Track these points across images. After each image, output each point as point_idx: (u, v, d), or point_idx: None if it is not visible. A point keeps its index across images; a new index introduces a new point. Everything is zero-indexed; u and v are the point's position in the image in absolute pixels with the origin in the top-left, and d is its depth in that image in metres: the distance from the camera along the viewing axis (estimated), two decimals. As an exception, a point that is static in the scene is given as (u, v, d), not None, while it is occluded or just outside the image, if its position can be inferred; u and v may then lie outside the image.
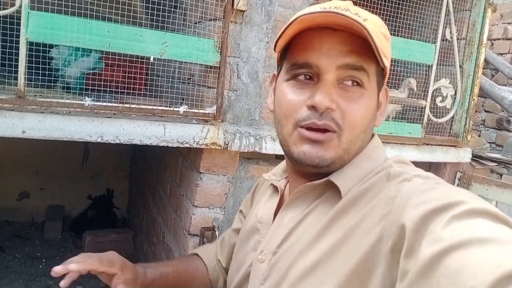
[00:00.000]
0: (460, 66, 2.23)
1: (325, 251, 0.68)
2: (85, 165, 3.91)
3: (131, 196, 4.02)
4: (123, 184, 4.12)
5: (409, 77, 2.27)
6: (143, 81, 2.13)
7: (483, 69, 3.64)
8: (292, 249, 0.74)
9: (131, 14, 1.57)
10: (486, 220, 0.53)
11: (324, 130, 0.70)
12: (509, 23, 4.11)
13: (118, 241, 3.41)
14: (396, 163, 0.75)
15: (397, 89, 2.27)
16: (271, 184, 0.92)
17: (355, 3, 0.75)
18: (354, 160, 0.75)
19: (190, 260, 1.11)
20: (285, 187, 0.90)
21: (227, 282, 0.95)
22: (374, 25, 0.70)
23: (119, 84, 1.81)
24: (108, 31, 1.49)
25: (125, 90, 1.81)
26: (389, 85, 2.19)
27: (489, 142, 3.46)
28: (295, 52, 0.73)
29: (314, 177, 0.75)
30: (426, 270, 0.51)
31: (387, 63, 0.69)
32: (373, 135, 0.82)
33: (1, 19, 1.37)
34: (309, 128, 0.71)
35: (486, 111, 3.97)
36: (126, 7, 1.52)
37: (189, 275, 1.06)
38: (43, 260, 3.17)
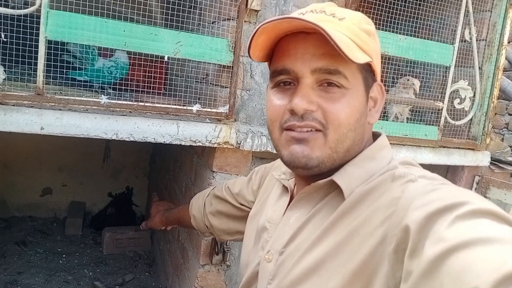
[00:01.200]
0: (479, 68, 2.18)
1: (329, 251, 0.68)
2: (106, 163, 3.99)
3: (150, 194, 4.07)
4: (142, 182, 4.19)
5: (428, 78, 2.24)
6: (163, 81, 2.17)
7: (506, 71, 3.55)
8: (298, 250, 0.74)
9: (147, 13, 1.60)
10: (490, 220, 0.53)
11: (307, 131, 0.71)
12: None
13: (136, 238, 3.47)
14: (401, 164, 0.74)
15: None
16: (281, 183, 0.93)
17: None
18: (357, 160, 0.75)
19: (186, 207, 1.44)
20: (294, 186, 0.90)
21: (239, 273, 0.96)
22: (351, 22, 0.70)
23: (140, 83, 1.85)
24: (124, 30, 1.52)
25: (145, 89, 1.85)
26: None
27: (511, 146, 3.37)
28: (275, 59, 0.75)
29: (317, 178, 0.75)
30: (430, 270, 0.51)
31: (362, 59, 0.67)
32: (380, 135, 0.82)
33: (22, 17, 1.42)
34: (291, 129, 0.72)
35: (510, 114, 3.87)
36: (142, 6, 1.56)
37: (184, 213, 1.43)
38: (64, 256, 3.24)
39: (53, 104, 1.55)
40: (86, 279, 2.94)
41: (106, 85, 1.82)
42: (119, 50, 1.75)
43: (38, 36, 1.44)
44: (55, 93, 1.56)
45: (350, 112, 0.70)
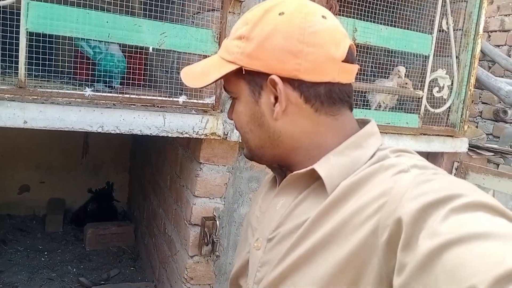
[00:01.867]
0: (456, 57, 2.24)
1: (319, 240, 0.68)
2: (85, 158, 3.92)
3: (131, 189, 4.03)
4: (123, 178, 4.13)
5: (408, 68, 2.28)
6: (142, 72, 2.14)
7: (480, 61, 3.65)
8: (285, 237, 0.74)
9: (129, 6, 1.58)
10: (486, 213, 0.52)
11: None
12: (506, 15, 4.11)
13: (119, 233, 3.43)
14: (393, 152, 0.72)
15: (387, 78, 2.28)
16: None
17: None
18: (340, 148, 0.73)
19: None
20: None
21: (232, 268, 0.96)
22: (230, 38, 0.76)
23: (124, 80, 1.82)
24: (107, 22, 1.49)
25: (127, 81, 1.81)
26: (384, 75, 2.20)
27: (486, 134, 3.47)
28: None
29: (299, 167, 0.76)
30: (424, 265, 0.51)
31: (217, 75, 0.74)
32: (369, 121, 0.80)
33: (1, 9, 1.37)
34: None
35: (483, 103, 3.98)
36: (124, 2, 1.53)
37: None
38: (45, 253, 3.18)
39: (35, 97, 1.51)
40: (70, 275, 2.90)
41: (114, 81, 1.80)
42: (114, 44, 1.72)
43: (19, 28, 1.40)
44: (38, 86, 1.52)
45: (238, 118, 0.79)
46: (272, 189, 0.91)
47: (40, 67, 1.46)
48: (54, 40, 1.51)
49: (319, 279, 0.66)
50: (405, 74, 2.23)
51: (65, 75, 1.78)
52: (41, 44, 1.44)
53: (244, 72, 0.73)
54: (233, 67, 0.72)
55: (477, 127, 3.76)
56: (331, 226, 0.67)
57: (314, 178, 0.74)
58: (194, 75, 0.79)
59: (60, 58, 1.56)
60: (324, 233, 0.68)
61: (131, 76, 1.78)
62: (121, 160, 4.13)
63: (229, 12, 1.70)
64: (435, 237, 0.51)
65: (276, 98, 0.73)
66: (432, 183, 0.60)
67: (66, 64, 1.65)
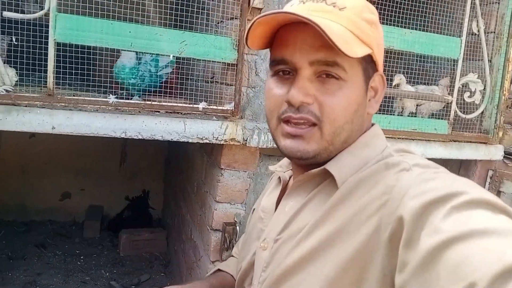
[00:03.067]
0: (489, 60, 2.17)
1: (323, 239, 0.69)
2: (123, 167, 4.07)
3: (165, 197, 4.13)
4: (158, 185, 4.26)
5: (441, 72, 2.24)
6: (173, 84, 2.21)
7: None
8: (291, 237, 0.75)
9: (148, 17, 1.66)
10: (486, 210, 0.53)
11: (303, 123, 0.71)
12: None
13: (152, 240, 3.53)
14: (396, 152, 0.74)
15: (426, 85, 2.24)
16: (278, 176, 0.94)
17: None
18: (351, 148, 0.75)
19: (219, 275, 1.11)
20: (290, 178, 0.91)
21: (236, 272, 0.96)
22: (352, 12, 0.70)
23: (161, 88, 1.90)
24: (130, 31, 1.58)
25: (158, 94, 1.89)
26: (417, 81, 2.16)
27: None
28: (274, 48, 0.75)
29: (313, 167, 0.76)
30: (426, 263, 0.51)
31: (361, 52, 0.67)
32: (373, 124, 0.82)
33: (31, 21, 1.48)
34: (288, 121, 0.72)
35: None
36: (140, 11, 1.61)
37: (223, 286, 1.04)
38: (81, 257, 3.33)
39: (63, 104, 1.61)
40: (103, 279, 3.01)
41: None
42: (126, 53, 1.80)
43: (48, 39, 1.51)
44: (65, 94, 1.63)
45: (347, 105, 0.70)
46: (275, 190, 0.92)
47: (67, 76, 1.55)
48: (85, 50, 1.60)
49: (324, 278, 0.66)
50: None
51: (96, 86, 1.88)
52: (67, 54, 1.54)
53: (373, 59, 0.74)
54: (369, 50, 0.70)
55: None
56: (336, 225, 0.68)
57: (324, 178, 0.75)
58: (332, 32, 0.64)
59: (91, 68, 1.66)
60: (329, 232, 0.68)
61: (168, 85, 1.85)
62: (157, 168, 4.26)
63: (248, 19, 1.74)
64: (436, 234, 0.51)
65: (375, 92, 0.78)
66: (433, 181, 0.60)
67: (97, 73, 1.75)
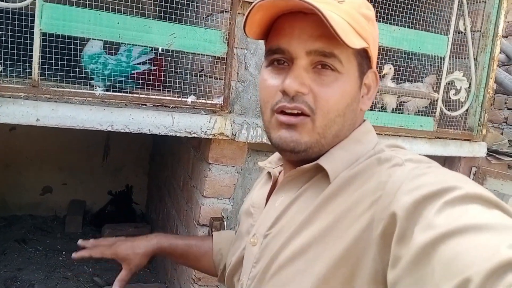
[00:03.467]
0: (474, 59, 2.20)
1: (315, 235, 0.68)
2: (106, 161, 4.02)
3: (149, 192, 4.10)
4: (142, 180, 4.21)
5: (426, 70, 2.26)
6: (161, 77, 2.19)
7: (505, 65, 3.56)
8: (282, 232, 0.74)
9: (140, 9, 1.63)
10: (480, 205, 0.52)
11: (296, 114, 0.70)
12: None
13: (136, 235, 3.44)
14: (388, 147, 0.74)
15: (410, 82, 2.26)
16: (268, 171, 0.94)
17: None
18: (343, 143, 0.75)
19: (205, 239, 1.16)
20: (279, 174, 0.90)
21: (226, 267, 0.96)
22: (350, 6, 0.70)
23: (139, 78, 1.87)
24: (118, 23, 1.55)
25: (143, 86, 1.86)
26: (403, 77, 2.18)
27: (510, 141, 3.38)
28: (270, 38, 0.74)
29: (304, 162, 0.75)
30: (420, 258, 0.51)
31: (359, 44, 0.67)
32: (364, 120, 0.82)
33: (17, 11, 1.45)
34: (282, 112, 0.71)
35: (509, 109, 3.88)
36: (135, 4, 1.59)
37: (198, 252, 1.09)
38: (63, 253, 3.27)
39: (48, 96, 1.57)
40: (85, 275, 2.97)
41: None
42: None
43: (33, 29, 1.47)
44: (51, 85, 1.59)
45: (340, 97, 0.70)
46: (266, 185, 0.91)
47: (53, 67, 1.52)
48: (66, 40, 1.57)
49: (315, 274, 0.66)
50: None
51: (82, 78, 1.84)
52: (53, 44, 1.50)
53: (368, 55, 0.74)
54: (365, 44, 0.70)
55: (502, 133, 3.66)
56: (328, 220, 0.67)
57: (315, 173, 0.75)
58: (334, 21, 0.63)
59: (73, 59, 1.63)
60: (321, 227, 0.68)
61: (151, 77, 1.83)
62: (141, 163, 4.22)
63: (238, 13, 1.73)
64: (430, 229, 0.51)
65: (368, 89, 0.78)
66: (426, 176, 0.60)
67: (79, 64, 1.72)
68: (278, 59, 0.72)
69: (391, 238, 0.56)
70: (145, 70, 1.89)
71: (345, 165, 0.72)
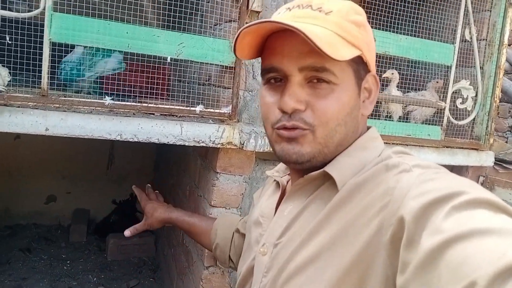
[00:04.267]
0: (480, 67, 2.19)
1: (324, 243, 0.68)
2: (110, 170, 4.00)
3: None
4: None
5: (431, 79, 2.25)
6: (166, 85, 2.18)
7: (508, 74, 3.56)
8: (292, 241, 0.74)
9: (146, 19, 1.63)
10: (487, 210, 0.53)
11: (294, 128, 0.72)
12: None
13: (140, 244, 3.47)
14: (395, 153, 0.74)
15: (415, 91, 2.26)
16: (275, 180, 0.94)
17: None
18: (349, 150, 0.75)
19: (208, 219, 1.38)
20: (287, 183, 0.91)
21: (237, 276, 0.96)
22: (338, 15, 0.70)
23: (143, 89, 1.86)
24: (127, 32, 1.54)
25: (148, 95, 1.85)
26: (408, 86, 2.18)
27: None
28: (264, 56, 0.76)
29: (311, 170, 0.76)
30: (427, 263, 0.51)
31: (349, 55, 0.68)
32: (369, 127, 0.82)
33: (26, 20, 1.44)
34: (280, 128, 0.73)
35: (513, 117, 3.88)
36: (138, 12, 1.58)
37: (199, 229, 1.33)
38: (68, 262, 3.25)
39: (57, 105, 1.57)
40: (90, 284, 2.95)
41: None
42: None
43: (42, 39, 1.47)
44: (60, 95, 1.58)
45: (339, 108, 0.71)
46: (274, 194, 0.91)
47: (63, 76, 1.51)
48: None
49: (326, 282, 0.66)
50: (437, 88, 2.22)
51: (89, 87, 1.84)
52: (63, 54, 1.50)
53: (364, 61, 0.75)
54: (358, 52, 0.71)
55: (506, 142, 3.65)
56: (337, 228, 0.68)
57: (323, 181, 0.75)
58: (317, 37, 0.64)
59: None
60: (330, 235, 0.68)
61: (155, 87, 1.82)
62: (145, 172, 4.20)
63: (246, 22, 1.73)
64: (437, 234, 0.51)
65: (369, 93, 0.78)
66: (434, 182, 0.60)
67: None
68: (274, 77, 0.74)
69: (400, 243, 0.57)
70: (116, 72, 1.86)
71: (352, 172, 0.72)
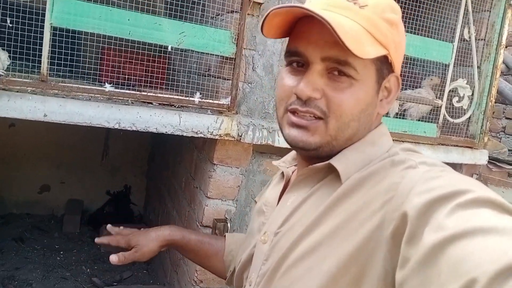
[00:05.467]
0: (478, 67, 2.21)
1: (325, 234, 0.68)
2: (105, 160, 3.98)
3: (148, 193, 4.07)
4: (140, 181, 4.17)
5: (426, 76, 2.26)
6: (165, 75, 2.17)
7: (505, 75, 3.59)
8: (292, 230, 0.74)
9: (151, 7, 1.62)
10: (491, 209, 0.53)
11: (308, 117, 0.71)
12: None
13: (134, 236, 3.45)
14: (402, 150, 0.74)
15: (412, 88, 2.26)
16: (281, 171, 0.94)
17: None
18: (357, 145, 0.75)
19: (218, 238, 1.16)
20: (293, 173, 0.91)
21: (236, 267, 0.95)
22: (372, 11, 0.69)
23: (142, 78, 1.84)
24: (128, 19, 1.54)
25: (148, 84, 1.84)
26: (406, 84, 2.18)
27: (509, 149, 3.40)
28: (291, 39, 0.75)
29: (317, 161, 0.76)
30: (428, 258, 0.51)
31: (374, 53, 0.67)
32: (380, 123, 0.81)
33: (28, 4, 1.43)
34: (295, 113, 0.73)
35: (507, 118, 3.90)
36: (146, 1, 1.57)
37: (210, 250, 1.10)
38: (61, 252, 3.23)
39: (56, 91, 1.55)
40: (84, 275, 2.93)
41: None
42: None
43: (43, 23, 1.45)
44: (59, 80, 1.57)
45: (355, 103, 0.70)
46: (279, 184, 0.92)
47: (63, 62, 1.50)
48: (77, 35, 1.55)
49: (324, 273, 0.66)
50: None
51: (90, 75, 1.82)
52: (64, 39, 1.48)
53: (389, 60, 0.73)
54: (384, 52, 0.70)
55: (500, 142, 3.68)
56: (339, 220, 0.67)
57: (328, 173, 0.75)
58: (343, 31, 0.63)
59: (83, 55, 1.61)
60: (332, 226, 0.68)
61: (154, 75, 1.80)
62: (139, 163, 4.19)
63: (248, 14, 1.72)
64: (440, 231, 0.51)
65: (389, 93, 0.77)
66: (439, 179, 0.60)
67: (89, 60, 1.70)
68: (296, 61, 0.73)
69: (401, 238, 0.57)
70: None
71: (358, 166, 0.72)
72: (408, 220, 0.56)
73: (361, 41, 0.66)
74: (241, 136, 1.82)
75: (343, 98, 0.69)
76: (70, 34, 1.48)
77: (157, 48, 1.61)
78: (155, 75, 1.74)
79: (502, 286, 0.42)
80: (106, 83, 1.58)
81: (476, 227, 0.49)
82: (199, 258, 1.13)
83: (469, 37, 2.15)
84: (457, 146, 2.24)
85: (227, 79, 1.75)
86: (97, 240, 1.15)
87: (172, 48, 1.61)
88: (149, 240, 1.09)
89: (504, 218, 0.51)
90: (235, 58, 1.71)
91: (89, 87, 1.60)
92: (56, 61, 1.48)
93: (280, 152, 2.00)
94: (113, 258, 1.07)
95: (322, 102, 0.70)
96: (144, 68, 1.76)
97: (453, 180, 0.60)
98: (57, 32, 1.47)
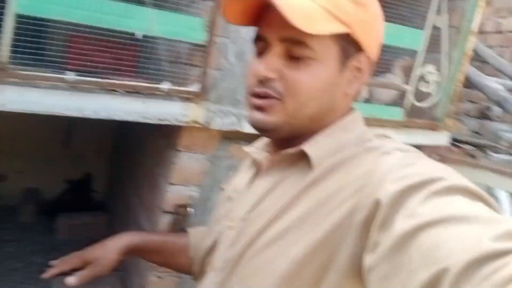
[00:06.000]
0: (448, 53, 2.36)
1: (294, 220, 0.71)
2: (66, 148, 3.92)
3: (111, 181, 4.07)
4: (103, 169, 4.15)
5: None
6: (135, 63, 2.16)
7: (473, 60, 3.82)
8: (260, 216, 0.77)
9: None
10: (465, 197, 0.55)
11: (265, 97, 0.74)
12: (503, 17, 4.36)
13: (92, 223, 3.48)
14: (376, 136, 0.78)
15: (382, 73, 2.40)
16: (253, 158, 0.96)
17: None
18: (329, 130, 0.78)
19: (181, 236, 1.14)
20: (264, 160, 0.91)
21: (201, 251, 0.97)
22: None
23: (111, 66, 1.86)
24: (98, 6, 1.55)
25: (117, 72, 1.85)
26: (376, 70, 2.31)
27: (472, 132, 3.67)
28: (256, 27, 0.79)
29: (289, 146, 0.79)
30: (400, 245, 0.53)
31: (328, 30, 0.69)
32: (353, 109, 0.84)
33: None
34: (253, 95, 0.75)
35: (470, 101, 4.18)
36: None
37: (175, 247, 1.09)
38: (14, 243, 3.21)
39: (16, 80, 1.56)
40: (36, 266, 2.94)
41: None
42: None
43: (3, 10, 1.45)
44: (19, 69, 1.57)
45: (313, 82, 0.72)
46: (249, 170, 0.91)
47: (23, 50, 1.51)
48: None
49: (291, 259, 0.68)
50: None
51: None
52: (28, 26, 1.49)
53: (351, 39, 0.73)
54: (344, 29, 0.70)
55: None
56: (308, 206, 0.70)
57: (299, 159, 0.77)
58: (291, 9, 0.65)
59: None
60: (301, 213, 0.70)
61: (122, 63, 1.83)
62: (103, 151, 4.14)
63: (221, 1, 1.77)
64: (412, 218, 0.54)
65: (359, 72, 0.77)
66: (414, 166, 0.63)
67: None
68: (262, 46, 0.76)
69: (373, 225, 0.60)
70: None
71: (330, 152, 0.74)
72: (381, 206, 0.59)
73: (313, 19, 0.67)
74: (208, 123, 1.88)
75: (299, 78, 0.71)
76: (35, 22, 1.49)
77: (127, 36, 1.64)
78: (124, 62, 1.76)
79: (474, 275, 0.44)
80: (68, 72, 1.60)
81: (450, 215, 0.51)
82: (164, 258, 1.10)
83: (440, 24, 2.29)
84: (420, 128, 2.41)
85: (198, 66, 1.80)
86: (44, 276, 1.02)
87: (142, 36, 1.64)
88: (106, 251, 1.03)
89: (477, 206, 0.54)
90: (207, 46, 1.76)
91: (51, 75, 1.61)
92: (19, 49, 1.49)
93: (248, 138, 2.08)
94: (71, 280, 0.98)
95: (278, 83, 0.72)
96: (113, 56, 1.77)
97: (427, 167, 0.63)
98: (21, 19, 1.47)
